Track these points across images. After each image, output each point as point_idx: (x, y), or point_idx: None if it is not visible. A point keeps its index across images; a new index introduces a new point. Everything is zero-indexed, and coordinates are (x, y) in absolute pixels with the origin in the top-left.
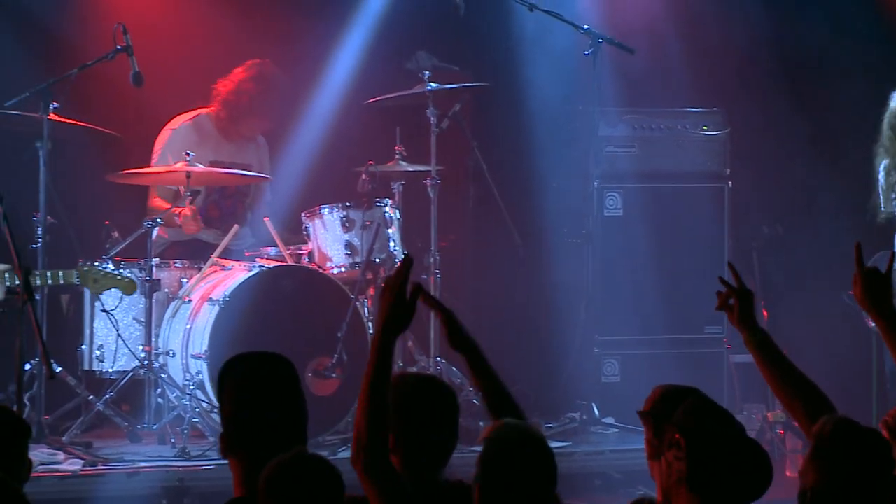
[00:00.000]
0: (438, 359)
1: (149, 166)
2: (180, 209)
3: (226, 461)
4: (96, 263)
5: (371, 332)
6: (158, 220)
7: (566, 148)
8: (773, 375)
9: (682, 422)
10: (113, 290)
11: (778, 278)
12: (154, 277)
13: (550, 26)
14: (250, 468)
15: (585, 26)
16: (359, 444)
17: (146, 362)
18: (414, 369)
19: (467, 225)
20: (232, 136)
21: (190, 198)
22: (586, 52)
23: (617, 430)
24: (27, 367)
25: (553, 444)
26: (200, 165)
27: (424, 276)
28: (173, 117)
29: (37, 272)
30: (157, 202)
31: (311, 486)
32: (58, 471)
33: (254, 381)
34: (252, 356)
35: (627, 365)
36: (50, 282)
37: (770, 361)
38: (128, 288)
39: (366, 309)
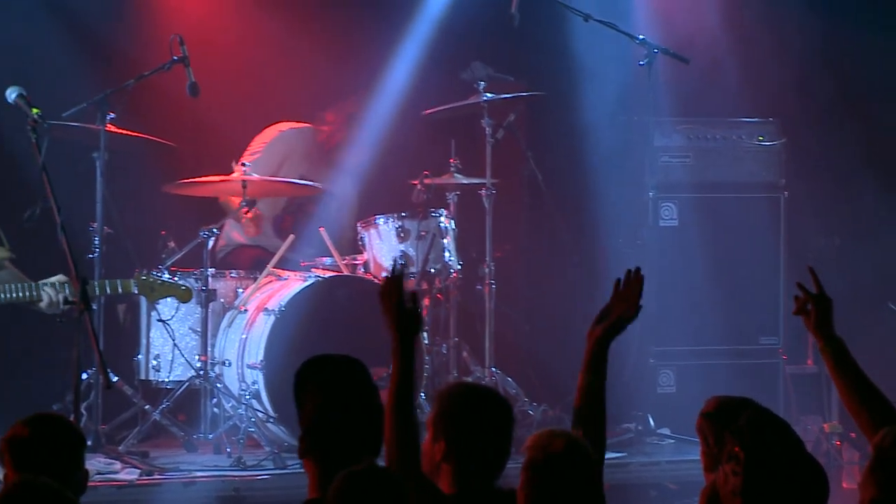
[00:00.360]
0: (493, 369)
1: (204, 175)
2: (246, 210)
3: (283, 469)
4: (153, 272)
5: (426, 342)
6: (215, 230)
7: (621, 158)
8: (845, 383)
9: (743, 435)
10: (169, 299)
11: (834, 290)
12: (210, 287)
13: (606, 36)
14: (327, 471)
15: (640, 36)
16: (389, 455)
17: (202, 372)
18: (469, 379)
19: (522, 235)
20: (332, 164)
21: (246, 207)
22: (641, 63)
23: (672, 440)
24: (84, 376)
25: (608, 455)
26: (256, 175)
27: (479, 287)
28: (278, 122)
29: (95, 281)
30: (231, 196)
31: (379, 499)
32: (114, 480)
33: (338, 385)
34: (334, 359)
35: (683, 375)
36: (108, 291)
37: (843, 369)
38: (184, 296)
39: (425, 320)
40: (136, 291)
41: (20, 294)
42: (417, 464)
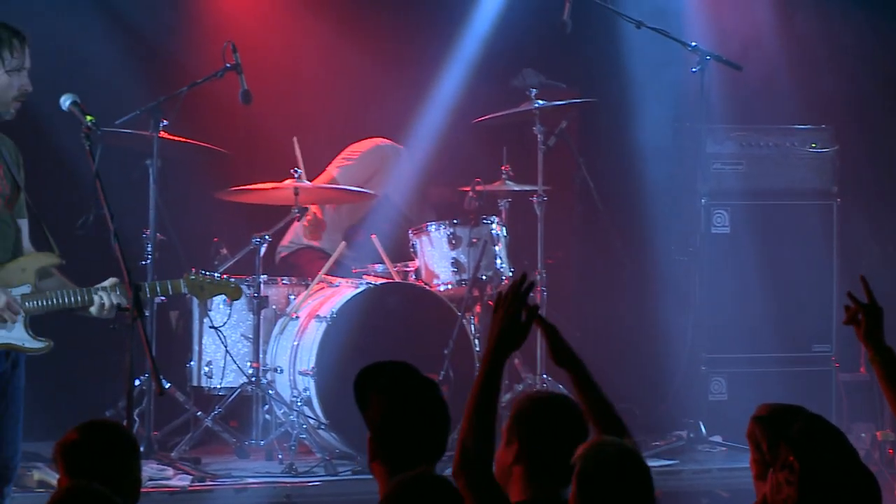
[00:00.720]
0: (545, 376)
1: (257, 183)
2: (298, 217)
3: (334, 476)
4: (203, 271)
5: (477, 349)
6: (266, 236)
7: (673, 165)
8: (895, 393)
9: (797, 444)
10: (221, 306)
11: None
12: (262, 294)
13: (658, 43)
14: (396, 474)
15: (693, 43)
16: (463, 458)
17: (254, 378)
18: (520, 387)
19: (573, 242)
20: (417, 189)
21: (298, 214)
22: (693, 70)
23: (724, 448)
24: (137, 383)
25: (660, 463)
26: (307, 182)
27: (531, 294)
28: (375, 136)
29: (145, 283)
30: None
31: None
32: (167, 486)
33: (402, 388)
34: (393, 364)
35: (734, 383)
36: (158, 292)
37: (893, 379)
38: (234, 293)
39: (472, 326)
40: (185, 291)
41: (71, 300)
42: (489, 472)
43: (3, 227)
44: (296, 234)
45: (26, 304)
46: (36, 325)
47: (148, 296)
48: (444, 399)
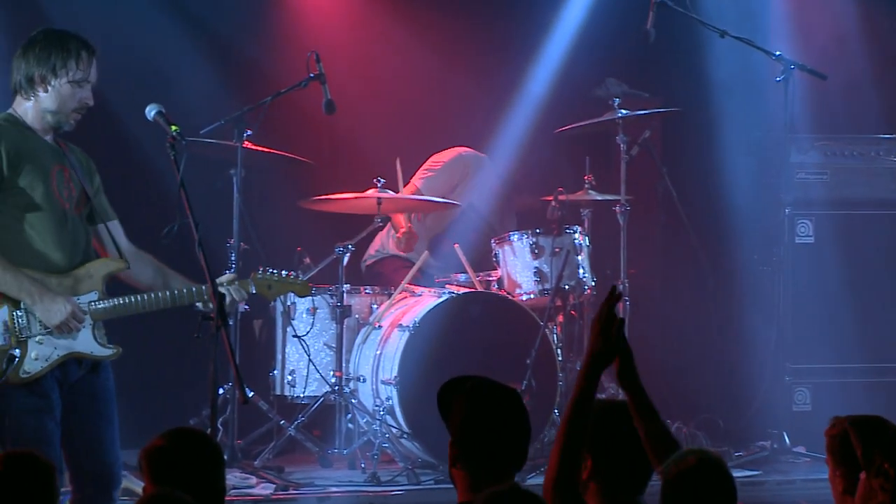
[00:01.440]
0: None
1: (340, 192)
2: (405, 227)
3: (417, 485)
4: (270, 269)
5: (560, 358)
6: (350, 245)
7: (757, 175)
8: None
9: (893, 452)
10: (305, 315)
11: None
12: (345, 303)
13: (741, 52)
14: (476, 480)
15: (777, 52)
16: (554, 474)
17: (337, 387)
18: (603, 396)
19: (656, 252)
20: (501, 197)
21: (380, 224)
22: (778, 79)
23: (808, 459)
24: (220, 391)
25: (743, 473)
26: (391, 192)
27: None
28: (459, 145)
29: (222, 283)
30: (400, 217)
31: None
32: (250, 495)
33: (483, 396)
34: (475, 376)
35: (819, 393)
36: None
37: None
38: (302, 290)
39: (554, 335)
40: (253, 291)
41: (141, 303)
42: (576, 485)
43: (72, 231)
44: (382, 244)
45: (94, 309)
46: (114, 332)
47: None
48: (524, 408)
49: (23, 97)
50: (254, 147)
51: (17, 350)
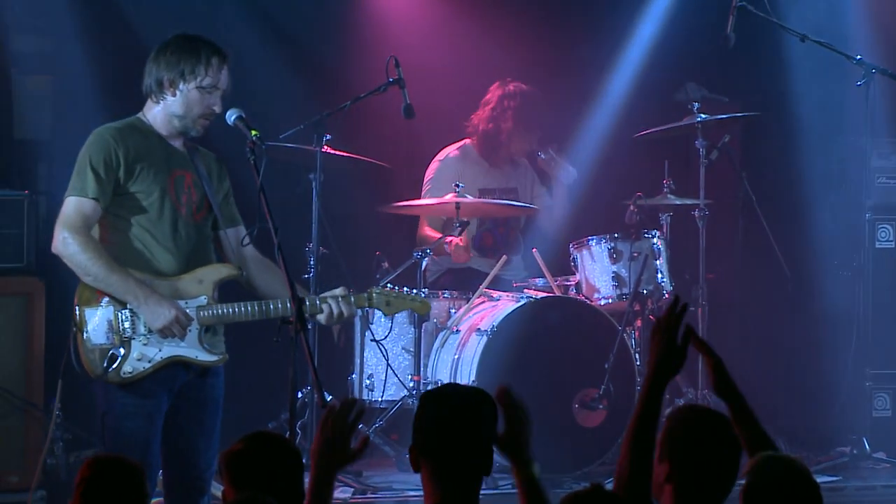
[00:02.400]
0: (705, 391)
1: (418, 197)
2: (451, 238)
3: (494, 490)
4: (388, 285)
5: (638, 363)
6: (428, 250)
7: (837, 179)
8: None
9: None
10: (383, 320)
11: None
12: None
13: (822, 56)
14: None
15: (858, 56)
16: (621, 481)
17: (415, 392)
18: (681, 401)
19: (735, 256)
20: (496, 163)
21: (459, 228)
22: (858, 83)
23: (888, 465)
24: (299, 395)
25: (823, 479)
26: (470, 196)
27: (692, 308)
28: (442, 148)
29: (329, 296)
30: (428, 231)
31: None
32: None
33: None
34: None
35: None
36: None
37: None
38: (422, 308)
39: (633, 340)
40: (368, 307)
41: (249, 311)
42: (647, 495)
43: (187, 236)
44: (436, 262)
45: (201, 315)
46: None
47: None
48: (474, 410)
49: (152, 101)
50: (333, 151)
51: (121, 349)
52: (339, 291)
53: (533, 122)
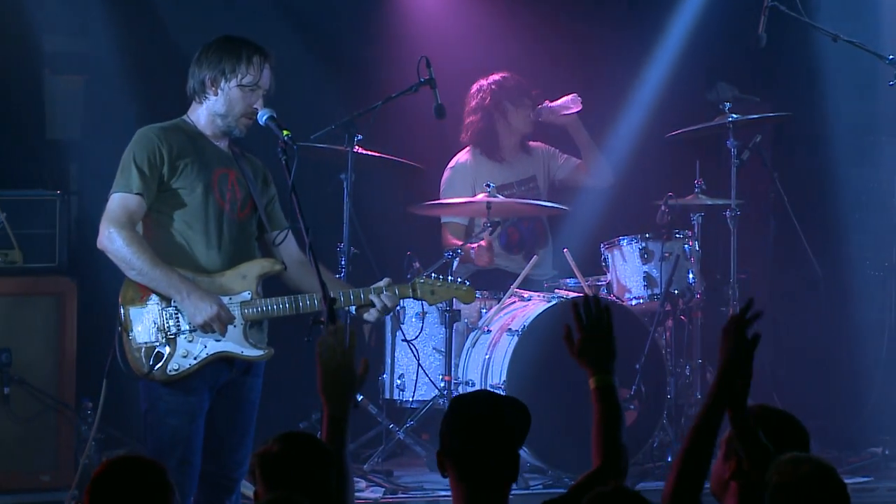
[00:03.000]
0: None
1: (452, 197)
2: (473, 245)
3: (525, 490)
4: (433, 274)
5: (669, 364)
6: (459, 250)
7: (869, 179)
8: None
9: None
10: (414, 320)
11: None
12: (454, 308)
13: (853, 56)
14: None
15: (890, 56)
16: (675, 486)
17: (446, 391)
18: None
19: (767, 256)
20: (505, 157)
21: (490, 228)
22: (891, 83)
23: None
24: None
25: (854, 480)
26: (501, 196)
27: (723, 309)
28: (453, 156)
29: (372, 287)
30: (450, 240)
31: None
32: (359, 499)
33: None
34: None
35: None
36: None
37: None
38: (467, 296)
39: (664, 341)
40: (412, 295)
41: (292, 306)
42: (698, 496)
43: (231, 233)
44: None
45: (245, 311)
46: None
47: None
48: (502, 417)
49: (196, 102)
50: (364, 152)
51: (166, 347)
52: (383, 283)
53: (517, 96)
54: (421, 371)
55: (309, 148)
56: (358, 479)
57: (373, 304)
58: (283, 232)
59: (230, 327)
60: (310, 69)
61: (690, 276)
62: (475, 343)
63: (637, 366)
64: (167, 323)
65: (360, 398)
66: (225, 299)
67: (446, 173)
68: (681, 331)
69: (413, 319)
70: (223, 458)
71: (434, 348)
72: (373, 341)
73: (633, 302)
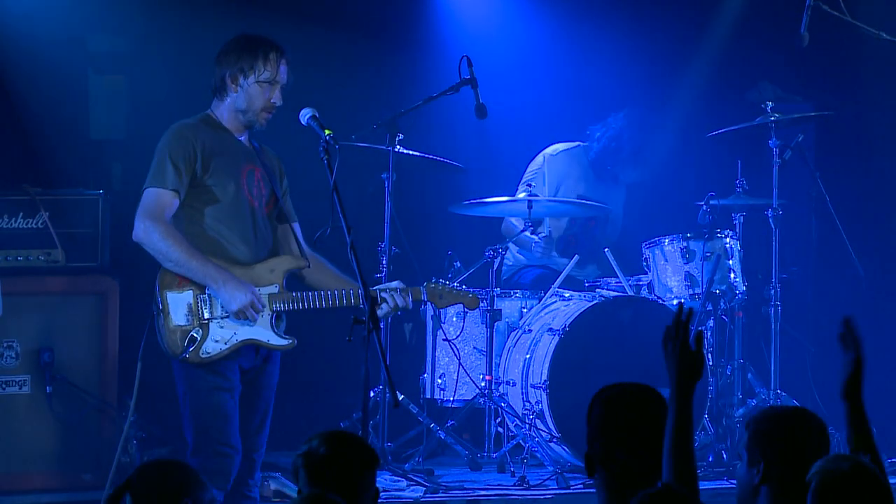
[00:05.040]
0: (779, 391)
1: (489, 196)
2: (532, 229)
3: (566, 490)
4: (441, 280)
5: (710, 363)
6: (500, 248)
7: None
8: None
9: None
10: (455, 319)
11: None
12: (495, 307)
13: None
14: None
15: None
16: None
17: (486, 391)
18: (753, 401)
19: (809, 256)
20: (602, 176)
21: (531, 227)
22: None
23: None
24: (371, 394)
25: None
26: (541, 196)
27: (765, 308)
28: (550, 145)
29: (386, 288)
30: (513, 220)
31: None
32: (400, 498)
33: (623, 408)
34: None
35: None
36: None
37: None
38: (472, 303)
39: (705, 341)
40: (425, 298)
41: (317, 303)
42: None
43: (259, 227)
44: (512, 257)
45: (273, 304)
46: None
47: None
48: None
49: (218, 99)
50: (405, 151)
51: (199, 331)
52: (395, 284)
53: (648, 156)
54: (462, 370)
55: (351, 147)
56: (398, 479)
57: (385, 301)
58: (318, 234)
59: (259, 316)
60: (352, 69)
61: (732, 275)
62: (516, 342)
63: None
64: (201, 309)
65: (401, 397)
66: (255, 289)
67: (538, 158)
68: (722, 331)
69: (454, 319)
70: (248, 440)
71: (475, 348)
72: (414, 341)
73: (675, 301)
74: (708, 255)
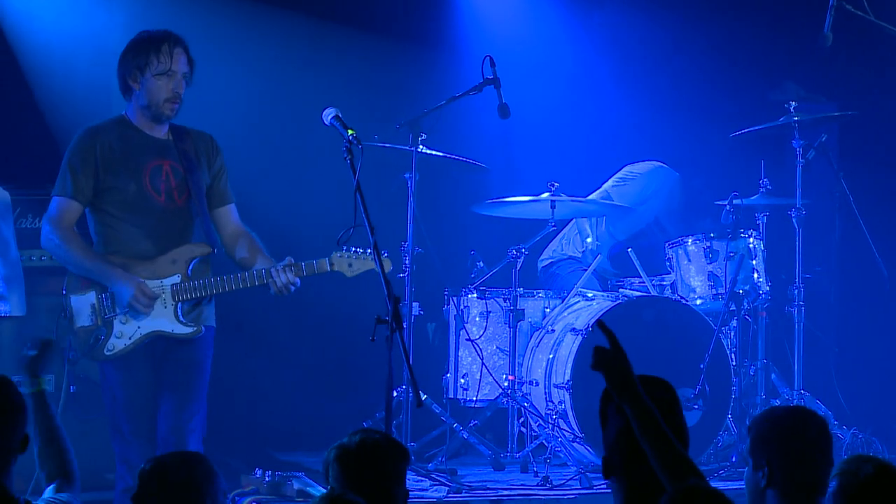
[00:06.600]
0: (802, 391)
1: (513, 196)
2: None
3: (589, 490)
4: (351, 248)
5: (734, 363)
6: (523, 248)
7: None
8: None
9: None
10: (478, 319)
11: None
12: (518, 307)
13: None
14: (633, 489)
15: None
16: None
17: (510, 391)
18: (776, 401)
19: (832, 256)
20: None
21: (554, 229)
22: None
23: None
24: (394, 394)
25: None
26: (565, 196)
27: (788, 308)
28: (652, 160)
29: (303, 263)
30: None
31: None
32: (423, 498)
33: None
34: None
35: None
36: (305, 273)
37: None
38: (385, 265)
39: (728, 340)
40: (329, 269)
41: (223, 286)
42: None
43: (164, 221)
44: (560, 246)
45: (176, 294)
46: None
47: (304, 274)
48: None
49: (126, 100)
50: (428, 151)
51: (103, 329)
52: (285, 261)
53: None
54: (485, 370)
55: (373, 147)
56: (422, 478)
57: (273, 281)
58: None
59: (161, 308)
60: (375, 69)
61: (755, 275)
62: (539, 342)
63: (701, 366)
64: (104, 307)
65: (424, 397)
66: (157, 282)
67: (648, 166)
68: (745, 330)
69: (477, 319)
70: (166, 420)
71: (498, 348)
72: (437, 340)
73: (698, 301)
74: (731, 254)
